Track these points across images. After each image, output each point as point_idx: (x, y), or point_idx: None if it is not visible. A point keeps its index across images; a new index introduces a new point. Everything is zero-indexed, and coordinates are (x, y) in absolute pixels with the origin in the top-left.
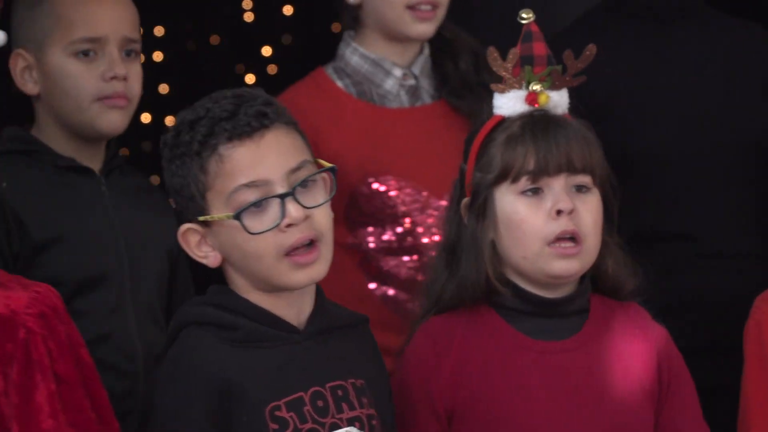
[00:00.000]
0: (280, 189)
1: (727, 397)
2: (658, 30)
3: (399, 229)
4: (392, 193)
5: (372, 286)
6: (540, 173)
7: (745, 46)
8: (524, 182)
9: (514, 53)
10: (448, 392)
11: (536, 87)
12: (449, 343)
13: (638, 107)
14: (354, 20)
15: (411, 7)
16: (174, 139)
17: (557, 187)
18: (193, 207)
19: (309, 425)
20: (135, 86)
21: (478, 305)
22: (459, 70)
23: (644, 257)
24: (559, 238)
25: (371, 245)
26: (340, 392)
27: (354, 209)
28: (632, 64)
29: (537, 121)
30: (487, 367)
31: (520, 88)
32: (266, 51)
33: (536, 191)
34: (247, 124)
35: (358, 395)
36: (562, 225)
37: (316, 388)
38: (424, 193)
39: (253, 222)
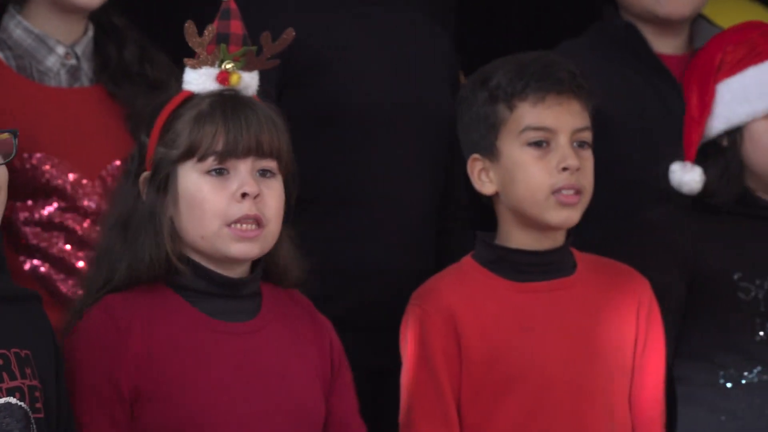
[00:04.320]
0: None
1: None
2: (364, 6)
3: (49, 207)
4: (44, 169)
5: (21, 259)
6: (228, 154)
7: (435, 37)
8: (211, 162)
9: (210, 29)
10: (134, 373)
11: (229, 66)
12: (130, 321)
13: (350, 66)
14: None
15: None
16: None
17: (243, 169)
18: None
19: None
20: None
21: (155, 284)
22: (122, 57)
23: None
24: (241, 221)
25: (20, 219)
26: (0, 361)
27: None
28: (345, 28)
29: (227, 101)
30: (174, 349)
31: (212, 65)
32: None
33: (221, 172)
34: None
35: (20, 365)
36: (244, 209)
37: None
38: (76, 174)
39: None
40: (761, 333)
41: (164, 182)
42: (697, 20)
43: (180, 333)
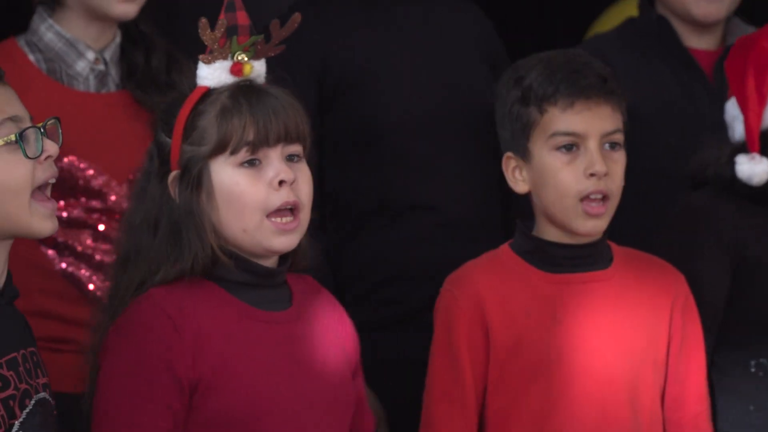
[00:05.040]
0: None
1: None
2: (386, 11)
3: (79, 208)
4: (75, 172)
5: (50, 253)
6: (260, 144)
7: (461, 19)
8: (243, 154)
9: (222, 23)
10: (191, 363)
11: (241, 57)
12: (181, 314)
13: (383, 81)
14: None
15: None
16: None
17: (275, 157)
18: None
19: (24, 385)
20: None
21: (194, 277)
22: (150, 65)
23: (392, 227)
24: (280, 210)
25: None
26: (35, 358)
27: None
28: (373, 41)
29: (249, 92)
30: (225, 339)
31: (225, 58)
32: None
33: (253, 162)
34: None
35: (42, 362)
36: (284, 196)
37: (23, 351)
38: (106, 177)
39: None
40: None
41: (197, 180)
42: (731, 18)
43: (228, 323)
